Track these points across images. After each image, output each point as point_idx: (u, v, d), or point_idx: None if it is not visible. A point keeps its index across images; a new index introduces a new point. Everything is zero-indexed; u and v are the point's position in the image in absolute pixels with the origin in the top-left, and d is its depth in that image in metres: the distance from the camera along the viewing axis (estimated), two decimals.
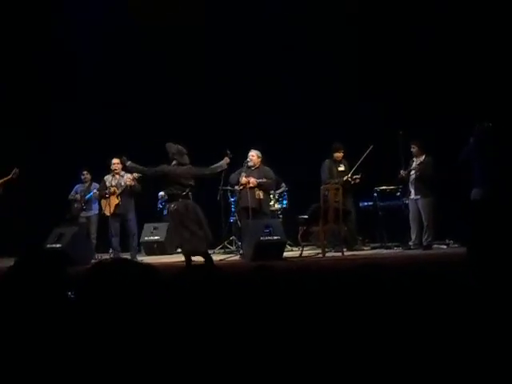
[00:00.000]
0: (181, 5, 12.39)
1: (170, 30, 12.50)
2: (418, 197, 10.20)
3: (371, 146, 10.26)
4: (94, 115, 12.99)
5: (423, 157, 10.26)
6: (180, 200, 8.63)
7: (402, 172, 10.32)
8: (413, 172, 10.27)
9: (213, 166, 9.03)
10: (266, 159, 10.58)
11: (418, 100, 11.49)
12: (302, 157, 11.98)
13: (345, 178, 10.50)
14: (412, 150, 10.33)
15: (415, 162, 10.31)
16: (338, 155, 10.81)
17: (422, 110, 11.35)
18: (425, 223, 10.10)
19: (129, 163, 9.06)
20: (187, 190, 8.81)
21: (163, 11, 12.32)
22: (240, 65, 12.68)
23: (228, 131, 12.22)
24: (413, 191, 10.29)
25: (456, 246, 10.03)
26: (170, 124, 13.01)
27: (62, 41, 12.94)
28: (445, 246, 10.24)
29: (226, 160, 9.00)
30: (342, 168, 10.70)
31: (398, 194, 10.69)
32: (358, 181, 10.52)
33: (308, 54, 12.41)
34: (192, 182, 8.90)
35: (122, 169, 10.75)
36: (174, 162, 8.72)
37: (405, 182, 10.43)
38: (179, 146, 8.86)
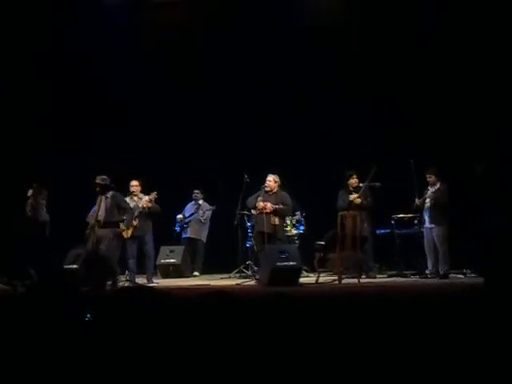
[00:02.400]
0: (181, 10, 12.52)
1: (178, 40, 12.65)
2: (433, 225, 10.17)
3: (374, 167, 10.25)
4: (112, 137, 13.08)
5: (438, 184, 10.24)
6: None
7: (416, 201, 10.31)
8: (428, 200, 10.24)
9: None
10: (283, 184, 10.60)
11: (433, 125, 11.55)
12: (319, 182, 11.99)
13: (351, 198, 10.52)
14: (428, 179, 10.30)
15: (430, 190, 10.28)
16: (352, 182, 10.82)
17: (437, 136, 11.40)
18: (440, 252, 10.07)
19: None
20: None
21: (169, 18, 12.46)
22: (263, 88, 12.77)
23: (246, 156, 12.28)
24: (427, 219, 10.26)
25: (473, 275, 9.95)
26: (189, 147, 13.11)
27: (95, 67, 13.08)
28: (462, 276, 10.16)
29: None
30: (354, 196, 10.62)
31: (416, 222, 10.66)
32: (358, 201, 10.49)
33: (328, 75, 12.43)
34: None
35: (141, 191, 10.85)
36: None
37: (420, 210, 10.42)
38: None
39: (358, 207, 10.44)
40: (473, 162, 8.91)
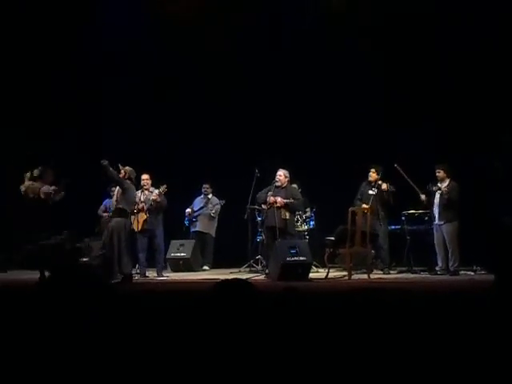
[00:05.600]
0: (206, 22, 12.54)
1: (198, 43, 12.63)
2: (442, 222, 10.15)
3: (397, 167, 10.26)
4: (123, 131, 13.10)
5: (447, 181, 10.20)
6: (127, 218, 9.68)
7: (421, 196, 10.31)
8: (437, 196, 10.22)
9: None
10: (294, 180, 10.62)
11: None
12: (329, 178, 11.99)
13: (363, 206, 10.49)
14: (437, 174, 10.28)
15: (439, 186, 10.24)
16: (370, 175, 10.81)
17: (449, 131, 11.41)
18: (449, 249, 10.05)
19: (106, 163, 9.40)
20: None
21: (191, 24, 12.49)
22: (273, 82, 12.71)
23: (257, 150, 12.26)
24: (437, 216, 10.24)
25: (483, 272, 9.93)
26: (199, 142, 13.11)
27: (101, 53, 13.09)
28: (472, 273, 10.14)
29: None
30: (372, 192, 10.59)
31: (426, 218, 10.63)
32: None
33: (343, 75, 12.38)
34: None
35: (152, 184, 10.87)
36: (129, 182, 9.76)
37: (427, 206, 10.40)
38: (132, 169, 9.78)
39: (380, 201, 10.49)
40: (491, 157, 8.92)
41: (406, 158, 10.46)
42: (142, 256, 10.74)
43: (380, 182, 10.59)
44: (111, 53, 13.05)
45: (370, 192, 10.58)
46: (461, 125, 11.31)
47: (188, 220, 12.93)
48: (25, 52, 12.93)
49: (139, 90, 13.17)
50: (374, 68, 12.23)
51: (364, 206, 10.34)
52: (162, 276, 10.71)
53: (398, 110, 11.89)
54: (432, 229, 10.41)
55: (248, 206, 11.15)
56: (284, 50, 12.79)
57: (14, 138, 12.63)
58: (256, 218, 11.79)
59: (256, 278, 10.13)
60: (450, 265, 10.02)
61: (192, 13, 12.42)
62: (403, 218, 10.84)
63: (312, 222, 12.02)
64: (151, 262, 10.97)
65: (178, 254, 12.21)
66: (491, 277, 7.73)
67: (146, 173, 10.89)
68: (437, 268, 10.22)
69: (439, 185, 10.25)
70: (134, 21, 12.83)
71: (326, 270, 10.20)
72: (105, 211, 12.27)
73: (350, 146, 12.03)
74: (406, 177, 10.23)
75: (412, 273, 10.42)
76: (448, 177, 10.22)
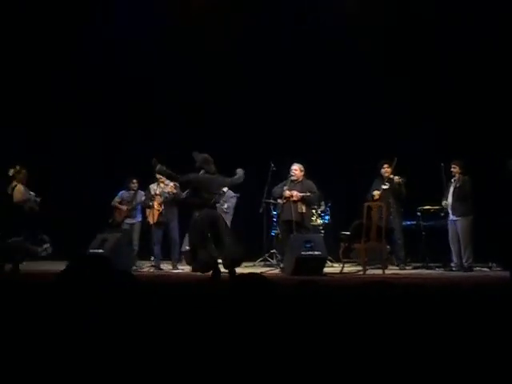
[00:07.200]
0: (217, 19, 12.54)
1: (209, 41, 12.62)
2: (456, 217, 10.12)
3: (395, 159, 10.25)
4: (137, 124, 13.14)
5: (458, 176, 10.15)
6: (205, 209, 8.55)
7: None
8: (450, 192, 10.21)
9: (235, 178, 9.04)
10: (310, 174, 10.60)
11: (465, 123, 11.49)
12: (344, 173, 11.97)
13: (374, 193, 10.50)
14: (453, 169, 10.23)
15: (453, 183, 10.21)
16: (383, 171, 10.76)
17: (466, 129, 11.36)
18: (462, 244, 10.03)
19: (158, 167, 8.87)
20: (213, 200, 8.78)
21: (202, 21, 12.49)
22: (273, 82, 12.72)
23: (272, 144, 12.25)
24: (450, 211, 10.22)
25: (499, 269, 9.90)
26: (215, 136, 13.10)
27: (114, 52, 13.12)
28: (488, 269, 10.11)
29: (242, 170, 9.05)
30: (385, 186, 10.57)
31: (442, 214, 10.59)
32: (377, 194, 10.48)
33: (343, 75, 12.37)
34: (218, 191, 9.15)
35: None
36: (202, 171, 8.77)
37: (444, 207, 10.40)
38: (205, 155, 8.92)
39: (393, 195, 10.47)
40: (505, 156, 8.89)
41: (406, 157, 10.48)
42: (156, 248, 10.79)
43: (392, 176, 10.57)
44: (111, 53, 13.07)
45: (383, 187, 10.55)
46: (461, 125, 11.31)
47: None
48: (25, 52, 12.98)
49: (139, 90, 13.20)
50: (373, 68, 12.22)
51: (376, 192, 10.37)
52: (177, 269, 10.74)
53: (397, 110, 11.89)
54: (447, 225, 10.38)
55: (263, 200, 11.15)
56: (284, 50, 12.77)
57: (14, 138, 12.68)
58: (271, 212, 11.79)
59: (270, 271, 10.14)
60: (463, 261, 9.99)
61: (192, 13, 12.43)
62: (418, 213, 10.83)
63: (327, 217, 12.01)
64: (166, 255, 11.01)
65: None
66: (507, 274, 7.71)
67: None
68: (452, 264, 10.20)
69: (453, 180, 10.25)
70: (134, 21, 12.84)
71: (341, 265, 10.20)
72: (120, 203, 12.26)
73: (363, 143, 12.02)
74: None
75: (427, 269, 10.41)
76: (461, 173, 10.18)
